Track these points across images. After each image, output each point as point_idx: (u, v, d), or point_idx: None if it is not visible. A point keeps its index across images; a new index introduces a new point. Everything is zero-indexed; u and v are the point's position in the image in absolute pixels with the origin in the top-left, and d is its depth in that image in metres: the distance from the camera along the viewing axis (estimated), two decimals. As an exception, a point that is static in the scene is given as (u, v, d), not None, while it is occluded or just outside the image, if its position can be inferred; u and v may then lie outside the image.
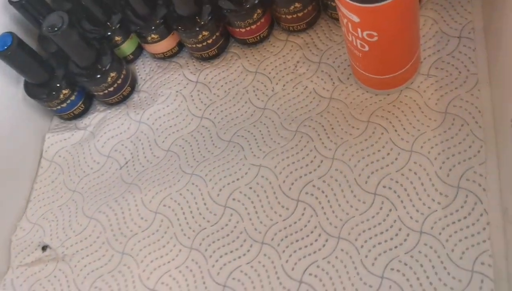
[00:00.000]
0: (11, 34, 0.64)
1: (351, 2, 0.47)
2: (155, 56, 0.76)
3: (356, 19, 0.49)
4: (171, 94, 0.72)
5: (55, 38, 0.63)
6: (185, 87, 0.72)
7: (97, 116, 0.75)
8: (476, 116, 0.56)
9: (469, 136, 0.55)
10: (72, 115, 0.74)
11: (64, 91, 0.70)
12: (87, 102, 0.75)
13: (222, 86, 0.70)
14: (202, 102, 0.70)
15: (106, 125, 0.73)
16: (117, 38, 0.73)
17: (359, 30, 0.51)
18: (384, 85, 0.60)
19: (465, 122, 0.56)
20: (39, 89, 0.70)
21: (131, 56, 0.77)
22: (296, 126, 0.63)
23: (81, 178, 0.71)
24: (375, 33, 0.50)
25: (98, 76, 0.69)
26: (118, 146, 0.71)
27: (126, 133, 0.72)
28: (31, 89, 0.70)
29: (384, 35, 0.51)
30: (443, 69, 0.60)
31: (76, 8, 0.71)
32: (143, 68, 0.77)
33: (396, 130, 0.58)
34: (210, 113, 0.69)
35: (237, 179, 0.62)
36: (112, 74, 0.70)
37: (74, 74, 0.70)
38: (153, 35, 0.71)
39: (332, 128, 0.61)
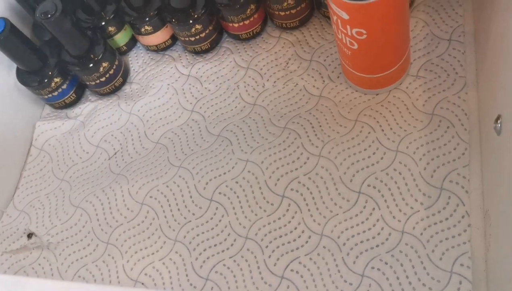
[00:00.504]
0: (4, 19, 0.65)
1: (340, -1, 0.48)
2: (148, 48, 0.76)
3: (345, 16, 0.50)
4: (162, 87, 0.72)
5: (48, 25, 0.64)
6: (176, 80, 0.72)
7: (88, 106, 0.75)
8: (462, 119, 0.56)
9: (455, 139, 0.56)
10: (64, 104, 0.74)
11: (56, 80, 0.70)
12: (79, 92, 0.75)
13: (213, 80, 0.71)
14: (193, 96, 0.70)
15: (96, 116, 0.73)
16: (110, 28, 0.73)
17: (348, 27, 0.51)
18: (373, 85, 0.61)
19: (451, 124, 0.56)
20: (31, 76, 0.70)
21: (125, 48, 0.77)
22: (284, 122, 0.63)
23: (70, 167, 0.71)
24: (364, 31, 0.51)
25: (90, 65, 0.69)
26: (108, 136, 0.72)
27: (117, 124, 0.72)
28: (23, 76, 0.70)
29: (373, 33, 0.51)
30: (432, 71, 0.61)
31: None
32: (136, 60, 0.77)
33: (383, 130, 0.59)
34: (200, 107, 0.69)
35: (224, 173, 0.62)
36: (104, 64, 0.70)
37: (67, 62, 0.70)
38: (146, 27, 0.71)
39: (320, 126, 0.62)
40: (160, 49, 0.75)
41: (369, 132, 0.59)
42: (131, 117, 0.72)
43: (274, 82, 0.67)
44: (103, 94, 0.74)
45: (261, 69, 0.69)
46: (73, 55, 0.69)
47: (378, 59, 0.56)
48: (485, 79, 0.54)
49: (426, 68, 0.61)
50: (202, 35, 0.70)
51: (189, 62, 0.73)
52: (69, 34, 0.66)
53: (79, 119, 0.74)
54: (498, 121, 0.46)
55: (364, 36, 0.51)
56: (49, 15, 0.63)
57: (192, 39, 0.70)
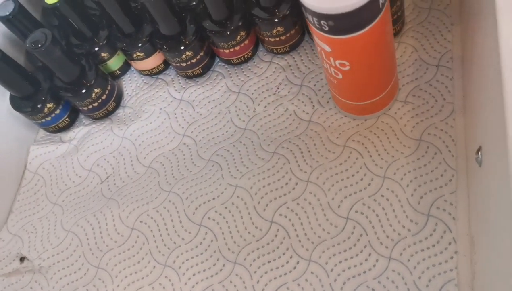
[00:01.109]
0: (-5, 48, 0.66)
1: (321, 32, 0.48)
2: (141, 73, 0.77)
3: (328, 48, 0.50)
4: (155, 111, 0.73)
5: (38, 55, 0.65)
6: (169, 104, 0.73)
7: (81, 130, 0.76)
8: (450, 145, 0.57)
9: (442, 165, 0.56)
10: (57, 129, 0.75)
11: (49, 105, 0.71)
12: (73, 116, 0.76)
13: (205, 105, 0.71)
14: (185, 120, 0.71)
15: (90, 140, 0.74)
16: (103, 54, 0.74)
17: (331, 59, 0.52)
18: (361, 111, 0.61)
19: (439, 150, 0.57)
20: (24, 102, 0.71)
21: (118, 72, 0.78)
22: (274, 147, 0.64)
23: (63, 191, 0.72)
24: (347, 63, 0.51)
25: (83, 91, 0.70)
26: (101, 160, 0.72)
27: (109, 148, 0.73)
28: (16, 102, 0.71)
29: (356, 65, 0.52)
30: (420, 97, 0.61)
31: (64, 23, 0.72)
32: (130, 84, 0.78)
33: (371, 156, 0.59)
34: (192, 132, 0.70)
35: (213, 198, 0.63)
36: (97, 90, 0.71)
37: (59, 88, 0.71)
38: (138, 53, 0.72)
39: (309, 151, 0.62)
40: (153, 73, 0.76)
41: (357, 158, 0.60)
42: (123, 141, 0.72)
43: (265, 106, 0.68)
44: (96, 119, 0.75)
45: (252, 93, 0.70)
46: (65, 82, 0.70)
47: (363, 88, 0.57)
48: (471, 106, 0.55)
49: (414, 94, 0.62)
50: (193, 60, 0.70)
51: (181, 86, 0.74)
52: (59, 62, 0.67)
53: (72, 143, 0.75)
54: (479, 153, 0.46)
55: (348, 67, 0.52)
56: (39, 45, 0.64)
57: (184, 64, 0.71)
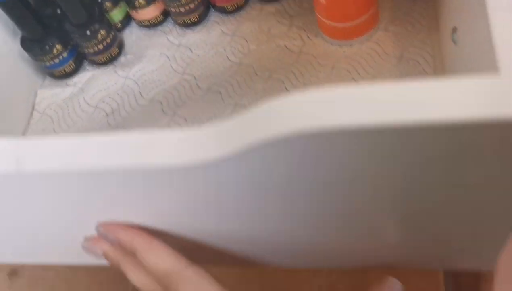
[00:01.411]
0: (12, -13, 0.71)
1: None
2: (141, 24, 0.82)
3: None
4: (155, 55, 0.79)
5: (53, -10, 0.70)
6: (168, 49, 0.79)
7: (86, 75, 0.81)
8: (427, 57, 0.64)
9: (421, 73, 0.63)
10: (63, 73, 0.80)
11: (58, 47, 0.76)
12: (78, 62, 0.81)
13: (202, 47, 0.77)
14: (184, 61, 0.77)
15: (94, 81, 0.79)
16: (107, 3, 0.80)
17: (323, -29, 0.59)
18: (347, 35, 0.68)
19: (417, 62, 0.64)
20: (34, 44, 0.76)
21: (119, 25, 0.83)
22: (269, 74, 0.70)
23: (70, 127, 0.76)
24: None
25: (88, 32, 0.75)
26: (106, 98, 0.77)
27: (113, 87, 0.78)
28: (26, 44, 0.76)
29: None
30: (399, 25, 0.68)
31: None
32: (130, 36, 0.83)
33: (358, 73, 0.66)
34: (191, 70, 0.76)
35: (215, 116, 0.68)
36: (102, 31, 0.76)
37: (67, 31, 0.76)
38: (140, 0, 0.78)
39: (301, 74, 0.69)
40: (152, 24, 0.81)
41: (346, 74, 0.66)
42: (127, 81, 0.78)
43: (258, 45, 0.74)
44: (100, 64, 0.80)
45: (246, 35, 0.76)
46: (74, 24, 0.75)
47: (350, 4, 0.64)
48: (444, 23, 0.62)
49: (394, 23, 0.69)
50: (192, 6, 0.76)
51: (179, 34, 0.80)
52: (71, 1, 0.72)
53: (78, 86, 0.80)
54: (455, 33, 0.53)
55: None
56: (53, -19, 0.70)
57: (182, 10, 0.77)
